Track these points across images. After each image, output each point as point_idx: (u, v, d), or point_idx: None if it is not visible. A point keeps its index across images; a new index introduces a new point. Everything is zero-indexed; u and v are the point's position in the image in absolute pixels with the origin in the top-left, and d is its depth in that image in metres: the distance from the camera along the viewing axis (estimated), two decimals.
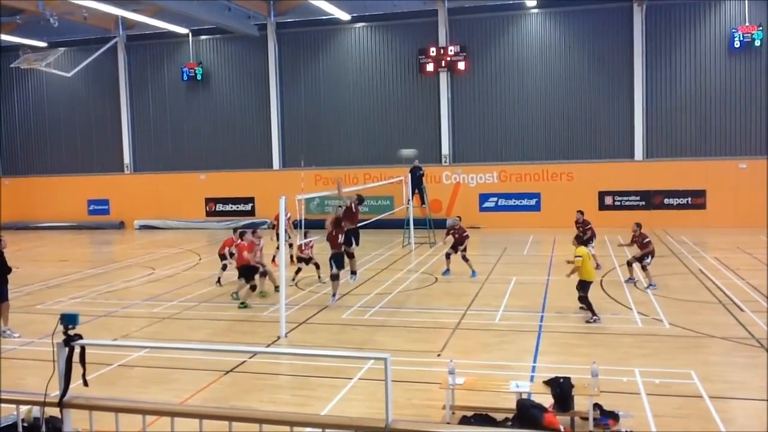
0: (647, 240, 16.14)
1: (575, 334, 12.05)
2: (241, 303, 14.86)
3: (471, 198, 29.28)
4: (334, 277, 14.66)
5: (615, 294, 15.20)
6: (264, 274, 15.90)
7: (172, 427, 3.59)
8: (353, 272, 15.40)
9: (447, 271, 18.09)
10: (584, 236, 16.21)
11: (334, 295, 14.73)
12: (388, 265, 20.15)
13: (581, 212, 19.08)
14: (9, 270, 13.02)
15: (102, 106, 34.47)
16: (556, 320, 13.07)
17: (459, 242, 18.02)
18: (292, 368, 10.70)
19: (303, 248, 17.35)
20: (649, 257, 16.06)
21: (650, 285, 15.68)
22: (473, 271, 17.66)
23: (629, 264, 16.68)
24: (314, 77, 31.28)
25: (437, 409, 8.25)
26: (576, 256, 13.03)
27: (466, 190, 29.44)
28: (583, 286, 13.18)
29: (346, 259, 15.08)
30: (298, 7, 30.23)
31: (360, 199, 16.27)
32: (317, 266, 17.42)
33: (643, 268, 16.08)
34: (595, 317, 12.92)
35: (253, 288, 15.00)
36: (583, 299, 13.21)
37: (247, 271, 15.05)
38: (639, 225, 16.53)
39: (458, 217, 19.74)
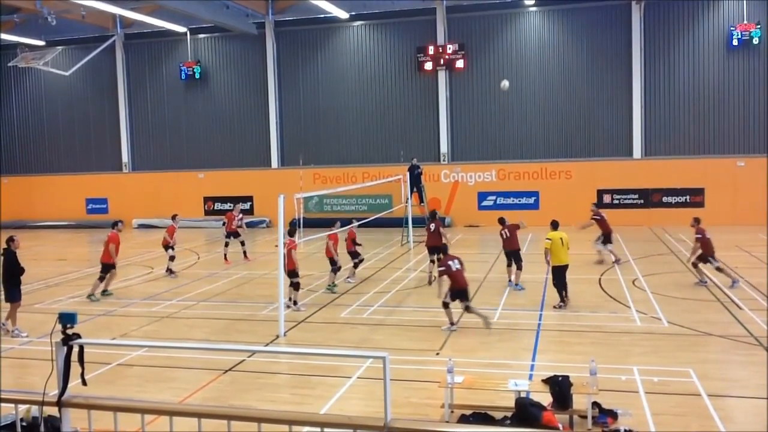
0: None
1: (574, 333, 12.06)
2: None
3: (469, 196, 29.27)
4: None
5: (614, 292, 15.20)
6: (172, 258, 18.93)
7: (170, 426, 3.59)
8: None
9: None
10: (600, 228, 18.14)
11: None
12: (387, 264, 20.14)
13: (595, 204, 20.20)
14: (22, 270, 12.98)
15: (100, 104, 34.42)
16: (554, 318, 13.08)
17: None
18: (291, 367, 10.70)
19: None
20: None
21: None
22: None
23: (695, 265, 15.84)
24: (313, 75, 31.25)
25: (436, 408, 8.25)
26: (546, 239, 14.00)
27: (465, 188, 29.43)
28: (553, 271, 13.97)
29: None
30: (297, 5, 30.19)
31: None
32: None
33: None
34: (561, 303, 13.79)
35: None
36: (555, 284, 13.94)
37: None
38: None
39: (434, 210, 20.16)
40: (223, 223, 21.59)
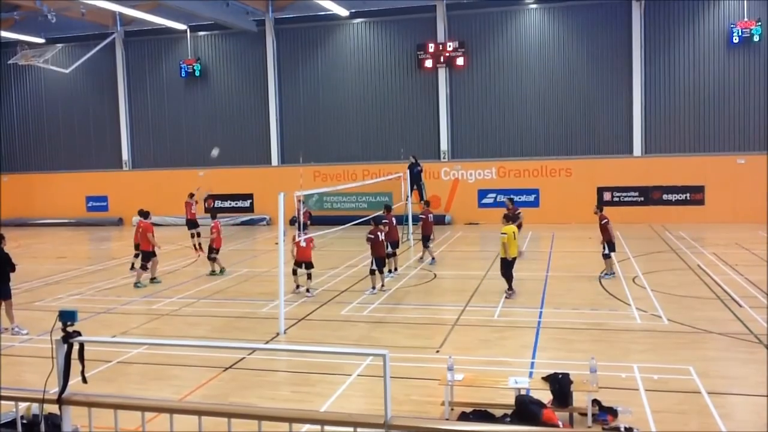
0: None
1: (574, 330, 12.06)
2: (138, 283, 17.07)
3: (470, 194, 29.27)
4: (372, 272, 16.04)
5: (614, 290, 15.21)
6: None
7: (171, 423, 3.59)
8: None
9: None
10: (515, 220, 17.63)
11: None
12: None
13: (510, 199, 20.20)
14: (13, 267, 12.98)
15: (100, 102, 34.40)
16: (554, 316, 13.08)
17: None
18: (291, 365, 10.70)
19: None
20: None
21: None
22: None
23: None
24: (313, 73, 31.23)
25: (436, 405, 8.26)
26: (502, 233, 14.31)
27: (465, 186, 29.42)
28: (505, 263, 14.46)
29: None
30: (297, 2, 30.15)
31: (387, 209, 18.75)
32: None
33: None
34: (510, 292, 14.53)
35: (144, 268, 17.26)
36: (503, 274, 14.60)
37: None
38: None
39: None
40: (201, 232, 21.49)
